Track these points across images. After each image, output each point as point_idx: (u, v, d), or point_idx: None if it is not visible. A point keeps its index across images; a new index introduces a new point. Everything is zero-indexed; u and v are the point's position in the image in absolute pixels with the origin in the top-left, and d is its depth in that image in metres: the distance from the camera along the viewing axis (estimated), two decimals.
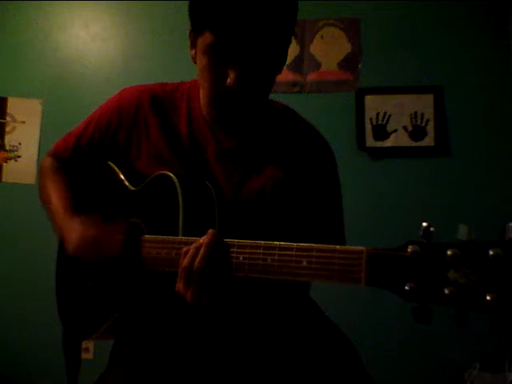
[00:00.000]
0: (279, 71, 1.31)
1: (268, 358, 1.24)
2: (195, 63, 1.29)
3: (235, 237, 1.11)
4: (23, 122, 3.40)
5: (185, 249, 1.10)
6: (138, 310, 1.27)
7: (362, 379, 1.24)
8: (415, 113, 3.19)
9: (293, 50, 3.25)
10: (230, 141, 1.34)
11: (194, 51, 1.29)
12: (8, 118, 3.40)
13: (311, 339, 1.27)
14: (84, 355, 3.07)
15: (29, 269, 3.21)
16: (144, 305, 1.22)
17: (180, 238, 1.17)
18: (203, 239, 1.08)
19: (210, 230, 1.08)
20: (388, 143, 3.20)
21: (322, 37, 3.32)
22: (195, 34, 1.24)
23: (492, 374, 2.73)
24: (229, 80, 1.17)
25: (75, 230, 1.29)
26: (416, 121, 3.18)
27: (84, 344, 3.09)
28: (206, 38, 1.18)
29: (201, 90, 1.32)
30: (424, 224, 0.81)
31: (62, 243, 1.51)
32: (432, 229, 0.80)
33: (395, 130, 3.20)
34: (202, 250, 1.07)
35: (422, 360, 3.00)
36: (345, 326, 1.37)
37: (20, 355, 3.22)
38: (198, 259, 1.07)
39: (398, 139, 3.19)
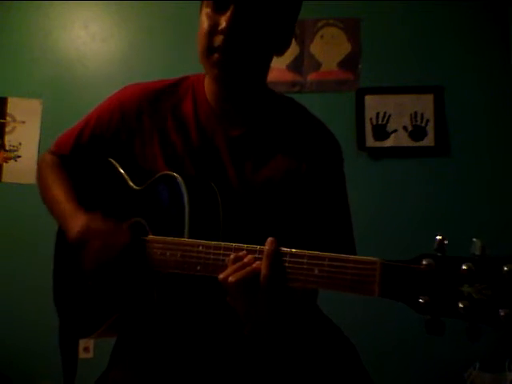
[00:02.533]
0: (278, 51, 1.31)
1: (267, 358, 1.24)
2: None
3: (241, 234, 1.11)
4: (23, 122, 3.39)
5: (235, 257, 1.07)
6: (142, 310, 1.26)
7: (361, 379, 1.24)
8: (415, 113, 3.20)
9: (293, 50, 3.25)
10: (237, 129, 1.34)
11: None
12: (8, 118, 3.39)
13: (310, 339, 1.27)
14: (84, 354, 3.08)
15: (29, 269, 3.20)
16: (148, 305, 1.22)
17: (185, 239, 1.16)
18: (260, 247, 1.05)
19: (270, 238, 1.04)
20: (388, 143, 3.20)
21: (321, 37, 3.32)
22: None
23: (492, 374, 2.75)
24: (221, 26, 1.18)
25: (80, 218, 1.29)
26: (416, 121, 3.19)
27: (84, 343, 3.09)
28: None
29: (198, 51, 1.28)
30: (438, 237, 0.81)
31: (59, 243, 1.51)
32: (446, 241, 0.81)
33: (395, 130, 3.20)
34: (265, 262, 1.02)
35: (422, 360, 3.02)
36: (345, 326, 1.37)
37: (20, 355, 3.22)
38: (263, 269, 1.02)
39: (398, 139, 3.20)
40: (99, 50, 3.44)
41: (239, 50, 1.21)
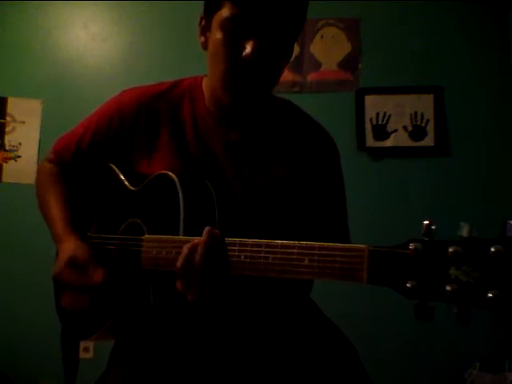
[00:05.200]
0: (287, 63, 1.30)
1: (267, 358, 1.24)
2: (205, 49, 1.28)
3: (239, 233, 1.11)
4: (23, 122, 3.40)
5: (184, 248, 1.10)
6: (139, 310, 1.27)
7: (360, 378, 1.24)
8: (415, 113, 3.20)
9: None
10: (236, 133, 1.34)
11: (203, 38, 1.28)
12: (8, 118, 3.40)
13: (310, 339, 1.27)
14: (84, 355, 3.08)
15: (29, 268, 3.21)
16: (144, 305, 1.22)
17: (180, 237, 1.16)
18: (200, 238, 1.07)
19: (207, 228, 1.07)
20: (388, 143, 3.20)
21: (322, 37, 3.32)
22: (210, 12, 1.22)
23: (492, 374, 2.74)
24: (245, 52, 1.15)
25: (65, 251, 1.30)
26: (416, 121, 3.19)
27: (84, 344, 3.09)
28: (223, 12, 1.17)
29: (211, 73, 1.27)
30: (425, 222, 0.81)
31: None
32: (433, 227, 0.80)
33: (395, 130, 3.20)
34: (199, 249, 1.06)
35: (423, 360, 3.01)
36: (345, 326, 1.36)
37: (20, 355, 3.22)
38: (196, 257, 1.06)
39: (398, 139, 3.20)
40: (99, 50, 3.45)
41: (262, 79, 1.21)
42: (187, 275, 1.08)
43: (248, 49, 1.15)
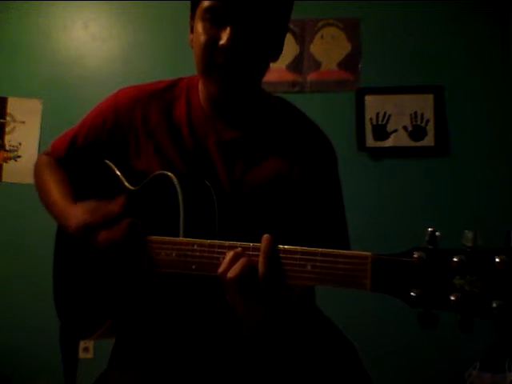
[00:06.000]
0: (273, 58, 1.31)
1: (266, 357, 1.23)
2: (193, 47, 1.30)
3: (236, 234, 1.10)
4: (23, 122, 3.40)
5: (231, 256, 1.05)
6: (139, 311, 1.26)
7: (360, 378, 1.23)
8: (415, 113, 3.20)
9: (293, 50, 3.26)
10: (229, 132, 1.34)
11: (191, 36, 1.31)
12: (8, 118, 3.40)
13: (309, 339, 1.27)
14: (84, 355, 3.08)
15: (29, 269, 3.20)
16: (145, 305, 1.22)
17: (180, 238, 1.16)
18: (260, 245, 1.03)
19: (266, 236, 1.03)
20: (388, 143, 3.20)
21: (322, 37, 3.32)
22: (194, 7, 1.26)
23: (492, 373, 2.74)
24: (221, 41, 1.18)
25: (75, 210, 1.29)
26: (416, 121, 3.19)
27: (84, 343, 3.09)
28: (203, 4, 1.21)
29: (196, 65, 1.29)
30: (430, 229, 0.80)
31: (59, 241, 1.51)
32: (438, 233, 0.80)
33: (395, 130, 3.20)
34: (261, 258, 1.02)
35: (423, 359, 3.01)
36: (344, 327, 1.36)
37: (20, 355, 3.22)
38: (261, 267, 1.02)
39: (398, 139, 3.20)
40: (99, 50, 3.44)
41: (240, 67, 1.22)
42: (246, 291, 1.04)
43: (224, 37, 1.17)
